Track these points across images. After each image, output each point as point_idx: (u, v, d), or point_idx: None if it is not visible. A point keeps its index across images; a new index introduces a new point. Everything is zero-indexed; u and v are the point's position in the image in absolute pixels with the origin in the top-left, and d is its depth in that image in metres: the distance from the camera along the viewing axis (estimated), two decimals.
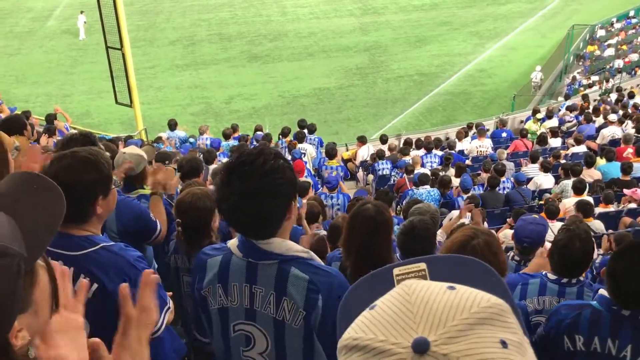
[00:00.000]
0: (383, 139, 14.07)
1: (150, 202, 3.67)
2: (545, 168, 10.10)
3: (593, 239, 3.47)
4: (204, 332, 2.27)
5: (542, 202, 8.85)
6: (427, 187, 9.41)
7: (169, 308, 2.39)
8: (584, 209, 7.36)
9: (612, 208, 8.21)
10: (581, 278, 3.12)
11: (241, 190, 1.87)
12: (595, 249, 5.92)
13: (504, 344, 0.68)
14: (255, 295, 2.01)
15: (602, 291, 2.54)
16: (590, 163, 9.95)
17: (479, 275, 0.87)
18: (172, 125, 13.59)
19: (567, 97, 19.13)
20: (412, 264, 0.90)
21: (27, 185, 1.11)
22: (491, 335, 0.69)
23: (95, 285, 2.23)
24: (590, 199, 8.06)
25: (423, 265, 0.90)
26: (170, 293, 2.48)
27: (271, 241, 1.97)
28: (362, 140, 13.51)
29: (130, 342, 1.23)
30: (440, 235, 6.12)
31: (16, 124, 5.18)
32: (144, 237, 3.39)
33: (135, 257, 2.35)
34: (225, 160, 9.80)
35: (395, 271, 0.90)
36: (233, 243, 2.07)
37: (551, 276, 3.12)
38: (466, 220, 6.96)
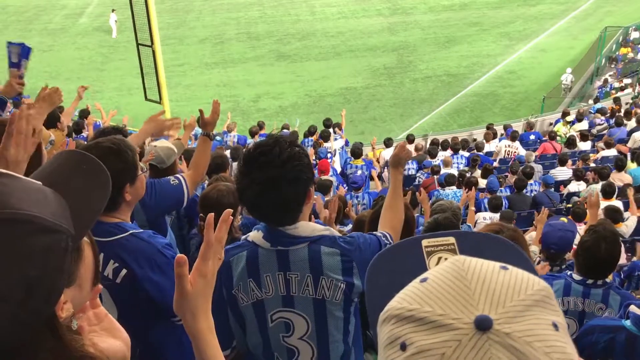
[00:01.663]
0: (409, 139, 14.02)
1: (199, 143, 3.57)
2: (577, 177, 9.93)
3: (620, 241, 3.41)
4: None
5: (569, 205, 8.73)
6: (454, 187, 9.36)
7: None
8: (612, 215, 7.22)
9: None
10: (607, 280, 3.07)
11: (262, 180, 1.94)
12: (624, 253, 5.85)
13: (555, 326, 0.70)
14: (291, 282, 2.06)
15: (635, 308, 2.46)
16: (620, 167, 9.78)
17: (508, 254, 0.88)
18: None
19: (597, 100, 18.82)
20: (441, 237, 0.92)
21: (78, 165, 1.15)
22: (545, 317, 0.70)
23: (124, 271, 2.29)
24: (620, 204, 7.92)
25: (452, 239, 0.91)
26: None
27: (298, 225, 2.05)
28: (387, 144, 13.49)
29: (207, 270, 1.32)
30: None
31: (51, 117, 5.30)
32: (176, 208, 3.47)
33: (163, 245, 2.40)
34: None
35: (424, 242, 0.91)
36: (256, 236, 2.11)
37: (576, 277, 3.08)
38: (492, 221, 6.92)
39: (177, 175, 3.42)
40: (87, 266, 1.27)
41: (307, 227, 2.06)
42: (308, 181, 2.02)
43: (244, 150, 2.12)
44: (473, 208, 6.99)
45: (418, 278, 0.77)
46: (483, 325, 0.67)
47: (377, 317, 0.78)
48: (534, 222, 7.21)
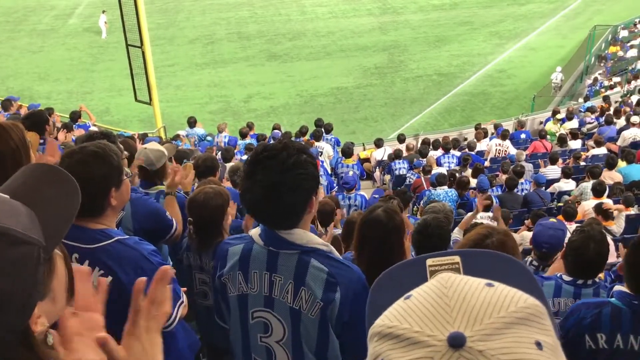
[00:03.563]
0: (400, 138, 14.03)
1: (165, 202, 3.69)
2: (566, 174, 9.97)
3: (609, 240, 3.43)
4: (224, 318, 2.30)
5: (561, 204, 8.77)
6: (445, 187, 9.36)
7: (182, 302, 2.41)
8: (604, 212, 7.28)
9: (632, 211, 8.09)
10: (597, 280, 3.09)
11: (263, 184, 1.92)
12: (615, 252, 5.87)
13: (539, 345, 0.68)
14: (275, 284, 2.05)
15: (619, 287, 2.51)
16: (611, 165, 9.82)
17: (514, 273, 0.87)
18: (192, 123, 13.68)
19: (587, 99, 18.91)
20: (447, 256, 0.91)
21: (45, 176, 1.13)
22: (527, 336, 0.69)
23: (109, 278, 2.26)
24: (610, 202, 7.96)
25: (457, 259, 0.90)
26: (184, 289, 2.50)
27: (293, 232, 2.03)
28: (378, 144, 13.50)
29: (140, 332, 1.23)
30: (458, 233, 6.12)
31: (39, 119, 5.26)
32: (160, 235, 3.42)
33: (150, 251, 2.38)
34: (244, 157, 9.85)
35: (429, 262, 0.91)
36: (255, 232, 2.13)
37: (566, 278, 3.11)
38: (484, 220, 6.93)
39: (174, 220, 3.49)
40: (60, 279, 1.24)
41: (303, 235, 2.04)
42: (311, 190, 1.99)
43: (252, 151, 2.10)
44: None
45: (404, 296, 0.77)
46: (455, 342, 0.67)
47: None
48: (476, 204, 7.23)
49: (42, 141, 5.21)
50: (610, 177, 9.51)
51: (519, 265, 0.89)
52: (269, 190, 1.92)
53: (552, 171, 10.67)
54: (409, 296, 0.76)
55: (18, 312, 0.91)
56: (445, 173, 10.12)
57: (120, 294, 2.25)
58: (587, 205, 8.03)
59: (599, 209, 7.38)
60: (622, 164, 10.32)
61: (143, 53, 14.47)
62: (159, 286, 1.28)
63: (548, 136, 14.06)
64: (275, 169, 1.91)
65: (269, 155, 1.93)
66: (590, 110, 16.31)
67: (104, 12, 30.49)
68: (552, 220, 4.10)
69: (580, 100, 19.93)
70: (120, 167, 2.45)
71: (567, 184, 9.80)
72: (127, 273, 2.26)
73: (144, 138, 10.57)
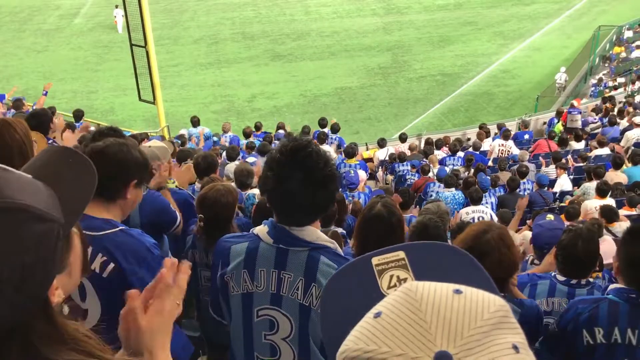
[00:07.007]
0: (402, 137, 14.03)
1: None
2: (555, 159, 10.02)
3: (611, 240, 3.44)
4: (221, 313, 2.31)
5: (563, 204, 8.76)
6: (453, 190, 9.34)
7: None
8: (607, 215, 7.24)
9: (635, 211, 8.08)
10: (590, 279, 3.11)
11: (307, 179, 1.94)
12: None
13: (516, 348, 0.67)
14: (283, 281, 2.07)
15: (615, 286, 2.53)
16: (618, 165, 9.82)
17: (457, 261, 0.88)
18: (195, 122, 13.70)
19: (602, 94, 18.83)
20: (390, 253, 0.90)
21: (64, 158, 1.20)
22: (504, 342, 0.67)
23: (111, 265, 2.32)
24: (613, 202, 7.95)
25: (402, 254, 0.89)
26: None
27: (305, 229, 2.06)
28: (381, 144, 13.50)
29: (164, 307, 1.30)
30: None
31: (45, 118, 5.32)
32: (166, 228, 3.51)
33: (152, 244, 2.44)
34: (248, 158, 9.87)
35: (374, 260, 0.89)
36: (261, 230, 2.13)
37: (560, 277, 3.11)
38: (476, 215, 6.92)
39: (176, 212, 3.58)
40: (76, 255, 1.34)
41: (313, 232, 2.07)
42: (339, 177, 2.07)
43: (274, 147, 2.15)
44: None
45: (371, 312, 0.73)
46: None
47: (332, 340, 0.77)
48: (515, 207, 7.42)
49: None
50: (615, 176, 9.50)
51: (460, 253, 0.89)
52: (317, 185, 1.95)
53: (554, 171, 10.67)
54: (379, 313, 0.72)
55: (39, 283, 0.98)
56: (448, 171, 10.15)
57: (120, 281, 2.31)
58: (590, 205, 8.01)
59: (604, 211, 7.34)
60: (627, 165, 10.32)
61: (147, 53, 14.50)
62: (185, 277, 1.35)
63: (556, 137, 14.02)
64: (317, 164, 1.95)
65: (305, 154, 1.95)
66: (594, 110, 16.29)
67: (117, 6, 30.04)
68: (550, 217, 4.11)
69: (585, 100, 19.89)
70: (146, 165, 2.59)
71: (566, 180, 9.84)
72: (128, 261, 2.32)
73: (145, 138, 10.57)
